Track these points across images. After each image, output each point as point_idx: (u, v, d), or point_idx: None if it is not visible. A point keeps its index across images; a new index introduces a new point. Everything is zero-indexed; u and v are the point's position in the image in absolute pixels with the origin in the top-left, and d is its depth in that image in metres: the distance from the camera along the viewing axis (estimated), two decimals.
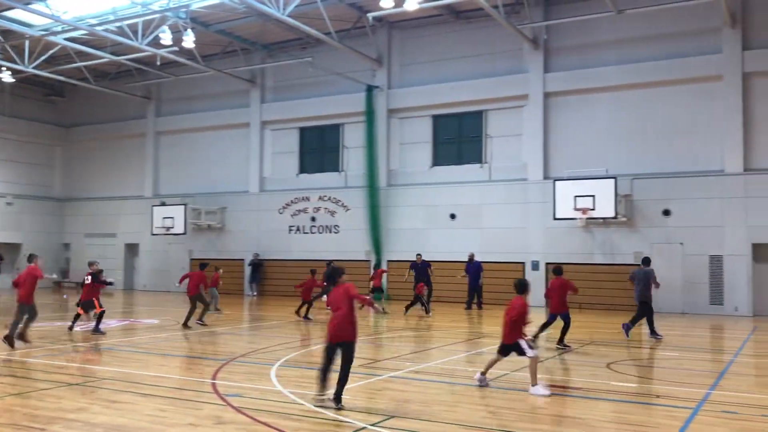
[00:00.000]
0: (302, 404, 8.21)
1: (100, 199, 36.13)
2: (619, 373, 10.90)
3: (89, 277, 15.70)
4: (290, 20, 23.25)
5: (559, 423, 7.55)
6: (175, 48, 26.35)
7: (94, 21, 25.36)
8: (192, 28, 24.43)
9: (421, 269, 22.93)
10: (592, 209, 23.01)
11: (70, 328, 15.51)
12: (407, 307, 21.39)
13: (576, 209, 23.24)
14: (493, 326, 18.39)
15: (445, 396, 9.01)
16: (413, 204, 27.80)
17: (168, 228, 31.28)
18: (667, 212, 23.48)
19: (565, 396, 9.05)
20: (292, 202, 30.57)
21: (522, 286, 9.81)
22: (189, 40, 24.21)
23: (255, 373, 10.59)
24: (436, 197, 27.32)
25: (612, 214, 22.99)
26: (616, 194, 22.94)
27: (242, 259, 31.25)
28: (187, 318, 16.75)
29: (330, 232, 29.64)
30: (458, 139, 27.77)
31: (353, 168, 29.37)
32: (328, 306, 9.61)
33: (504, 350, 9.54)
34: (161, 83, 34.06)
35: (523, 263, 25.48)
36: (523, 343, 9.33)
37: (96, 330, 15.26)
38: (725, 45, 22.99)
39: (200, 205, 32.15)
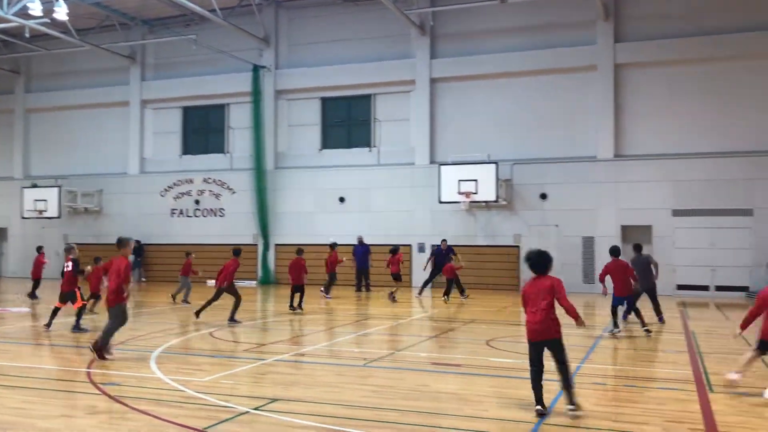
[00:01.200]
0: (183, 391, 8.00)
1: None
2: (497, 350, 11.34)
3: (70, 264, 13.45)
4: None
5: (438, 399, 7.76)
6: (46, 20, 24.70)
7: None
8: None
9: (445, 256, 21.76)
10: (475, 193, 23.75)
11: (48, 325, 13.34)
12: (446, 294, 20.31)
13: (460, 193, 23.91)
14: (380, 307, 18.65)
15: (331, 377, 9.05)
16: (302, 187, 27.63)
17: (41, 211, 29.60)
18: (543, 196, 24.58)
19: (446, 373, 9.31)
20: (174, 184, 29.61)
21: None
22: (61, 12, 22.73)
23: (134, 360, 10.22)
24: (325, 180, 27.28)
25: (493, 197, 23.82)
26: (497, 179, 23.77)
27: None
28: (233, 312, 14.73)
29: (215, 215, 28.97)
30: (347, 122, 27.79)
31: (239, 149, 28.78)
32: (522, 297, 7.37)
33: (764, 347, 8.22)
34: (31, 57, 31.93)
35: (410, 245, 25.96)
36: None
37: (77, 328, 13.10)
38: (599, 37, 24.23)
39: (76, 187, 30.54)
